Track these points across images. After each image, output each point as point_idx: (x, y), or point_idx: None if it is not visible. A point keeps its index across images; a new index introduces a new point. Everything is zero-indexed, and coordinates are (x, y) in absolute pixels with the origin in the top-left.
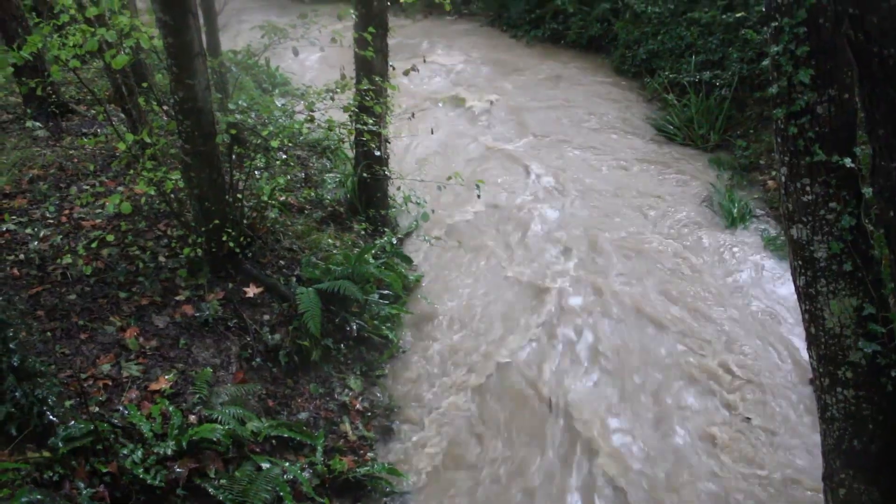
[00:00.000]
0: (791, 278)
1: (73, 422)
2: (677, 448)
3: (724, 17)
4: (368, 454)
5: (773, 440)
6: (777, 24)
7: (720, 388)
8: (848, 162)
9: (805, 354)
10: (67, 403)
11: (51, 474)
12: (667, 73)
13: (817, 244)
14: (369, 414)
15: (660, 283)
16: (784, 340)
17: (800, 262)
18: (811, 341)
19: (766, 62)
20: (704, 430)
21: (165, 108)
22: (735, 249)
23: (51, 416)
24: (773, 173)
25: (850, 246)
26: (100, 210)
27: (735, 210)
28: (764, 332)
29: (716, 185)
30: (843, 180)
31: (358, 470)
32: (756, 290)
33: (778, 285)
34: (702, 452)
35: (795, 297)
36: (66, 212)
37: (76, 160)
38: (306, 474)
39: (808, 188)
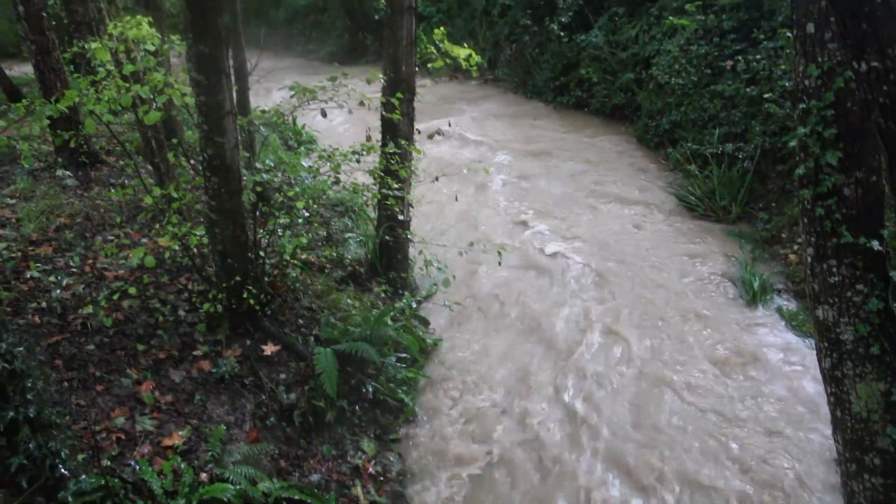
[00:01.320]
0: (816, 359)
1: (84, 476)
2: None
3: (747, 90)
4: None
5: None
6: (805, 105)
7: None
8: (875, 244)
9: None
10: (80, 457)
11: None
12: (689, 143)
13: (844, 326)
14: (382, 478)
15: (677, 356)
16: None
17: (825, 344)
18: (837, 425)
19: (792, 142)
20: None
21: (193, 163)
22: (755, 324)
23: (63, 470)
24: (796, 247)
25: (877, 329)
26: (123, 261)
27: (756, 284)
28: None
29: (736, 257)
30: (870, 262)
31: None
32: (776, 368)
33: (799, 363)
34: None
35: (795, 371)
36: (90, 261)
37: (102, 210)
38: None
39: (834, 269)
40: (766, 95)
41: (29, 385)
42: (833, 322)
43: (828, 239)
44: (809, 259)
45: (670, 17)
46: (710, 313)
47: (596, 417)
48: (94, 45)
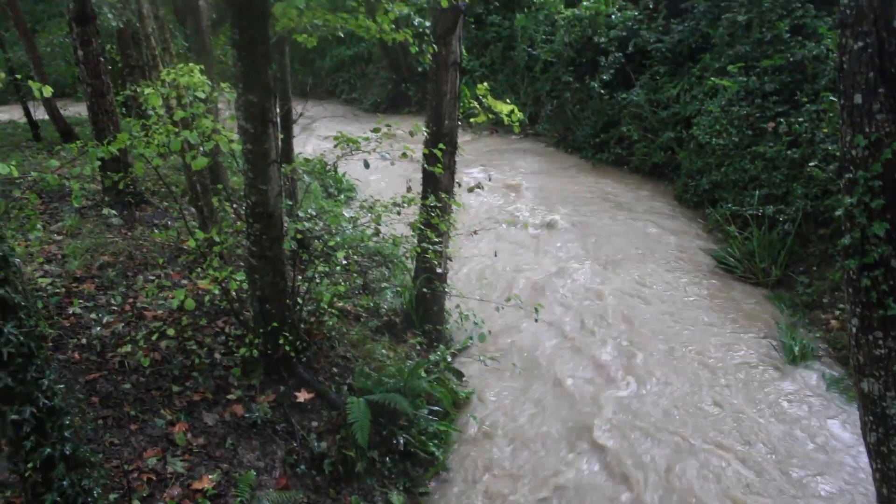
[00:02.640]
0: (861, 433)
1: None
2: None
3: (788, 152)
4: None
5: None
6: (851, 175)
7: None
8: None
9: None
10: (112, 496)
11: None
12: (729, 204)
13: (890, 400)
14: None
15: (714, 420)
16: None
17: (871, 418)
18: (882, 502)
19: (837, 211)
20: None
21: (236, 208)
22: (796, 389)
23: None
24: (837, 313)
25: None
26: (163, 302)
27: (796, 348)
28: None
29: (776, 321)
30: None
31: None
32: (820, 435)
33: (843, 428)
34: None
35: (838, 439)
36: (131, 300)
37: (145, 250)
38: None
39: (880, 342)
40: (811, 164)
41: (67, 422)
42: (879, 395)
43: (874, 310)
44: (854, 330)
45: (712, 78)
46: (748, 377)
47: (626, 472)
48: (147, 91)
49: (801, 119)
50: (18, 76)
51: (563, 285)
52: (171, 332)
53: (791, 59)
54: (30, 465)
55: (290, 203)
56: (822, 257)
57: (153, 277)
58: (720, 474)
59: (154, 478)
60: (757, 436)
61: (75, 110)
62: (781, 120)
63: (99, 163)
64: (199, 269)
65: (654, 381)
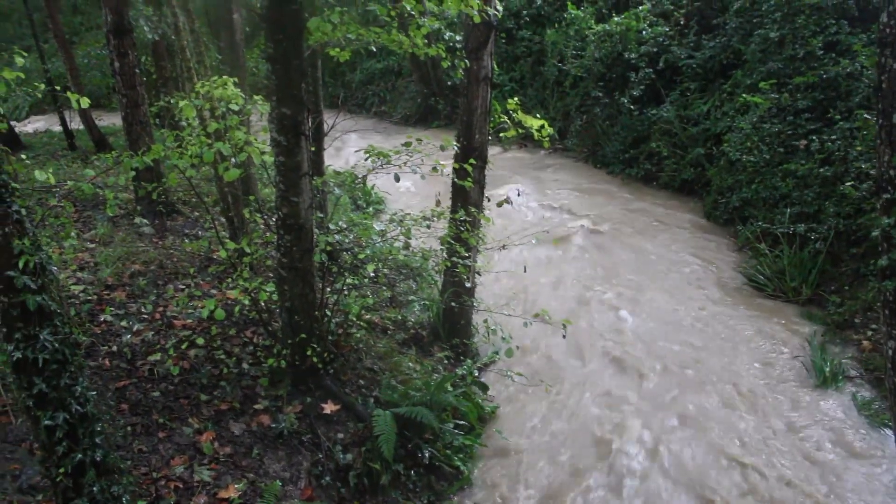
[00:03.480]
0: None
1: None
2: None
3: (821, 170)
4: None
5: None
6: (889, 196)
7: None
8: None
9: None
10: (140, 503)
11: None
12: (759, 222)
13: None
14: None
15: (738, 441)
16: None
17: None
18: None
19: (874, 232)
20: None
21: (266, 219)
22: (827, 411)
23: None
24: (870, 333)
25: None
26: (192, 311)
27: (827, 369)
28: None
29: (808, 340)
30: None
31: None
32: (849, 460)
33: (873, 453)
34: None
35: (872, 461)
36: (161, 309)
37: (176, 259)
38: None
39: None
40: (844, 182)
41: (98, 429)
42: None
43: None
44: (891, 353)
45: (743, 95)
46: (779, 397)
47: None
48: (181, 102)
49: (833, 137)
50: (57, 87)
51: (591, 302)
52: (200, 341)
53: (824, 77)
54: (61, 469)
55: (321, 215)
56: (854, 276)
57: (183, 287)
58: (750, 486)
59: (181, 486)
60: (785, 458)
61: (110, 121)
62: (814, 137)
63: (133, 173)
64: (229, 280)
65: (678, 400)
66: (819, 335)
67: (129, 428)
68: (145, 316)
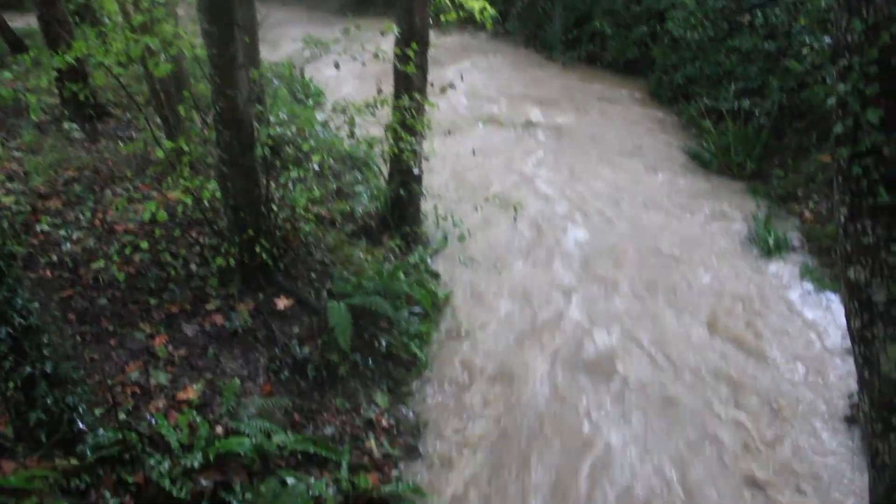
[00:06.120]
0: (845, 320)
1: (101, 430)
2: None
3: (764, 45)
4: (393, 472)
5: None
6: (846, 62)
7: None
8: None
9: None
10: (97, 411)
11: (78, 482)
12: (704, 99)
13: (876, 287)
14: (395, 431)
15: (689, 310)
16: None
17: (856, 305)
18: (864, 386)
19: (830, 100)
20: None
21: (203, 115)
22: (771, 279)
23: (80, 424)
24: (811, 204)
25: None
26: (134, 215)
27: (771, 240)
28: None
29: (751, 214)
30: None
31: (382, 488)
32: (794, 320)
33: (817, 313)
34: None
35: (814, 327)
36: (100, 215)
37: (111, 163)
38: (331, 491)
39: (868, 230)
40: (788, 56)
41: (45, 341)
42: (865, 282)
43: (864, 199)
44: (843, 219)
45: None
46: (724, 267)
47: (599, 356)
48: None
49: (777, 11)
50: None
51: (539, 183)
52: (144, 245)
53: None
54: (10, 384)
55: (260, 108)
56: (797, 150)
57: (121, 191)
58: (697, 347)
59: (138, 391)
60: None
61: (25, 21)
62: (758, 12)
63: (55, 73)
64: (169, 180)
65: (625, 272)
66: (763, 208)
67: (78, 337)
68: (84, 223)
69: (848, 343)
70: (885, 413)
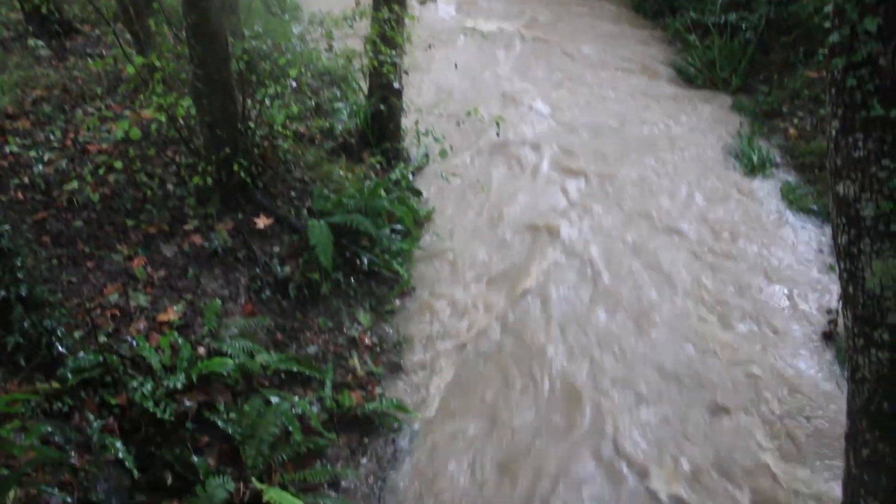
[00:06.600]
0: (831, 236)
1: (81, 353)
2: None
3: None
4: (377, 390)
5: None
6: None
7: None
8: None
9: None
10: (76, 334)
11: (60, 405)
12: (690, 13)
13: (865, 202)
14: (378, 349)
15: (669, 227)
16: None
17: (843, 220)
18: (848, 301)
19: (827, 8)
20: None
21: (174, 30)
22: (752, 198)
23: (60, 347)
24: (796, 121)
25: None
26: (107, 135)
27: (755, 157)
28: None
29: (736, 130)
30: None
31: (366, 405)
32: (767, 239)
33: (790, 235)
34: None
35: (794, 245)
36: (71, 135)
37: (81, 82)
38: (315, 409)
39: (860, 143)
40: None
41: (18, 264)
42: (854, 197)
43: (857, 111)
44: (834, 133)
45: None
46: (707, 181)
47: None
48: None
49: None
50: None
51: (521, 98)
52: (118, 164)
53: None
54: None
55: (235, 21)
56: (783, 65)
57: (93, 110)
58: (674, 243)
59: (118, 313)
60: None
61: None
62: None
63: None
64: (141, 98)
65: (609, 183)
66: (747, 124)
67: (54, 260)
68: (55, 144)
69: (825, 262)
70: (867, 328)
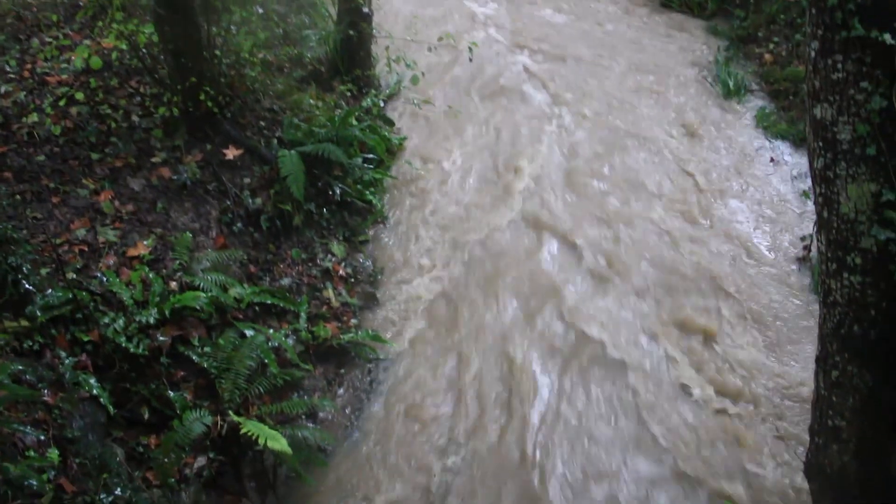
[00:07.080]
0: (808, 160)
1: (50, 290)
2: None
3: None
4: (352, 321)
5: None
6: None
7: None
8: (888, 38)
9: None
10: (43, 271)
11: (30, 344)
12: None
13: (842, 125)
14: (353, 280)
15: (645, 152)
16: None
17: (820, 144)
18: (822, 225)
19: None
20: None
21: None
22: (727, 123)
23: (27, 285)
24: (771, 46)
25: (876, 129)
26: (66, 65)
27: (731, 83)
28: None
29: (712, 55)
30: (878, 58)
31: (342, 336)
32: (742, 164)
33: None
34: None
35: (766, 173)
36: (28, 66)
37: (35, 9)
38: (290, 341)
39: (839, 65)
40: None
41: None
42: (831, 121)
43: (836, 32)
44: (813, 54)
45: None
46: (684, 102)
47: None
48: None
49: None
50: None
51: (494, 20)
52: (79, 96)
53: None
54: None
55: None
56: None
57: (50, 39)
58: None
59: (86, 248)
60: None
61: None
62: None
63: None
64: (100, 25)
65: (586, 111)
66: (723, 49)
67: (17, 196)
68: (12, 75)
69: (796, 189)
70: (840, 252)
